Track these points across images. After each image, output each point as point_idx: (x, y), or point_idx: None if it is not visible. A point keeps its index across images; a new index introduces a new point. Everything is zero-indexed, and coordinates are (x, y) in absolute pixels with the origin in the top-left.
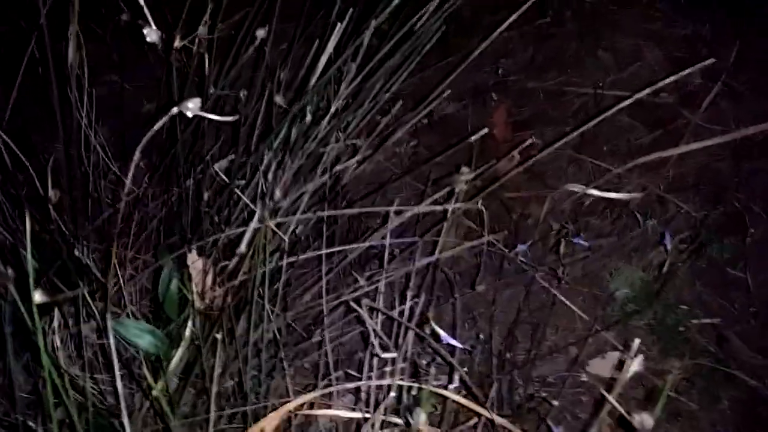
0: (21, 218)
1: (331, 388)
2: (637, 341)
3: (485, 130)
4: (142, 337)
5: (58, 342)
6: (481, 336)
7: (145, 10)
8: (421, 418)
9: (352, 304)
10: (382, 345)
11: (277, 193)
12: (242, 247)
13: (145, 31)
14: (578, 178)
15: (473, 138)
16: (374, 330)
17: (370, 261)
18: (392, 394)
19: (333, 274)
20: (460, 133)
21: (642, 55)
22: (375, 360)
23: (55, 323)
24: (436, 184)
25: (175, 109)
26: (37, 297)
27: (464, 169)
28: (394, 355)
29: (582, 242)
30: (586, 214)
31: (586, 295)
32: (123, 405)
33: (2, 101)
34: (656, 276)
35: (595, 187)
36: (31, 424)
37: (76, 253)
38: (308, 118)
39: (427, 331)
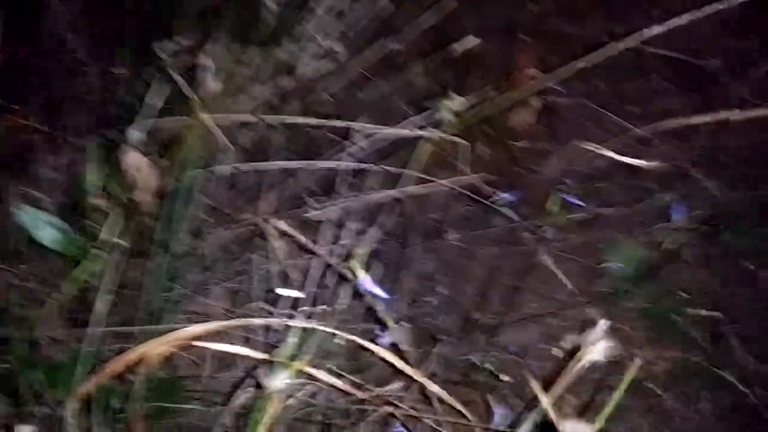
0: None
1: (223, 323)
2: (602, 322)
3: (471, 38)
4: (44, 230)
5: None
6: (438, 289)
7: None
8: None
9: (261, 223)
10: (292, 281)
11: (210, 84)
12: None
13: None
14: (599, 138)
15: (455, 45)
16: (277, 257)
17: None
18: (291, 339)
19: (278, 194)
20: (478, 72)
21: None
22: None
23: None
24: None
25: None
26: None
27: (455, 96)
28: (295, 294)
29: (575, 201)
30: (597, 178)
31: (578, 266)
32: None
33: None
34: (659, 256)
35: (612, 149)
36: None
37: None
38: (269, 3)
39: (349, 272)
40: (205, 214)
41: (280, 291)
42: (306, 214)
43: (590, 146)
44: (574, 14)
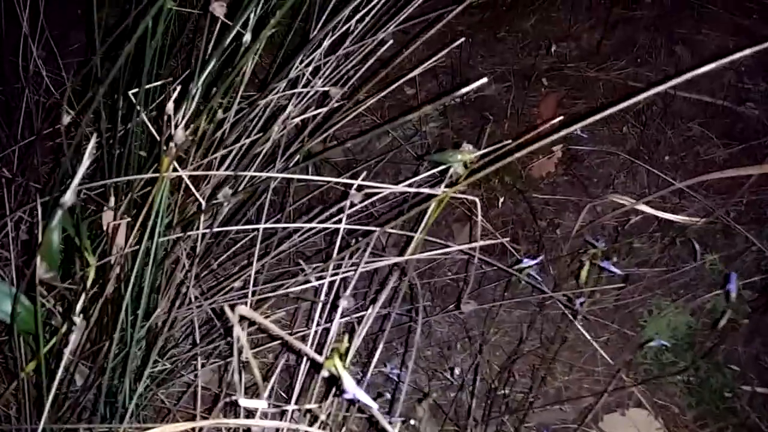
0: None
1: (190, 424)
2: None
3: (484, 80)
4: (1, 302)
5: None
6: (457, 370)
7: None
8: None
9: (226, 308)
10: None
11: (179, 134)
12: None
13: None
14: (629, 190)
15: (463, 91)
16: (239, 353)
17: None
18: None
19: (271, 260)
20: (497, 118)
21: (727, 54)
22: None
23: None
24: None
25: None
26: None
27: (467, 146)
28: (258, 404)
29: (611, 268)
30: (631, 234)
31: (614, 333)
32: None
33: None
34: (708, 325)
35: (647, 203)
36: None
37: None
38: (247, 37)
39: (325, 372)
40: (187, 281)
41: (241, 401)
42: (296, 288)
43: (623, 199)
44: (598, 58)
